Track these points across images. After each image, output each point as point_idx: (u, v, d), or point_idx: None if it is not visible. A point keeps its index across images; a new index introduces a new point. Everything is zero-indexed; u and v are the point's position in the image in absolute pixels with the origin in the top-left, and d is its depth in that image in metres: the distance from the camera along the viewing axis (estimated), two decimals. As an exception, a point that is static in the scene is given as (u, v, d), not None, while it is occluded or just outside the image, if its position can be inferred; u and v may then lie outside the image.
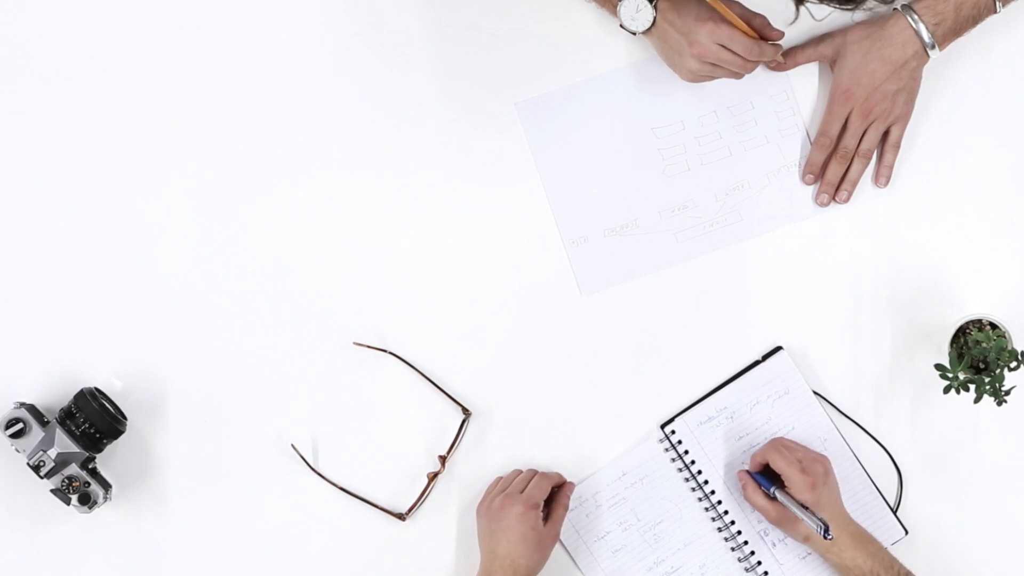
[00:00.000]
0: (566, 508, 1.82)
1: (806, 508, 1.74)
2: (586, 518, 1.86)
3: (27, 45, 1.87)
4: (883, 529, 1.86)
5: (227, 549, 1.86)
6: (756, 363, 1.87)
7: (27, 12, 1.87)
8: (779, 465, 1.78)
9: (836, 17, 1.86)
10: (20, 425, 1.78)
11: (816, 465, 1.78)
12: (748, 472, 1.83)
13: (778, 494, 1.77)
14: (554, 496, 1.82)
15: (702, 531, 1.86)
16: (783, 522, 1.79)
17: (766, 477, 1.81)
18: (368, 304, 1.87)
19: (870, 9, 1.51)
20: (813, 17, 1.85)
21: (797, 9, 1.53)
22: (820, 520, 1.71)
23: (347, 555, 1.86)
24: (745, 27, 1.75)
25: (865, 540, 1.78)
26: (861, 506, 1.85)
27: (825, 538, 1.71)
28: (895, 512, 1.86)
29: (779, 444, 1.81)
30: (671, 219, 1.88)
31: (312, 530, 1.86)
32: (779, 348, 1.87)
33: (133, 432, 1.86)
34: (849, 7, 1.50)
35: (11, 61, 1.87)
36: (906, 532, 1.86)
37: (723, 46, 1.74)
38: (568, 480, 1.85)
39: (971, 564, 1.87)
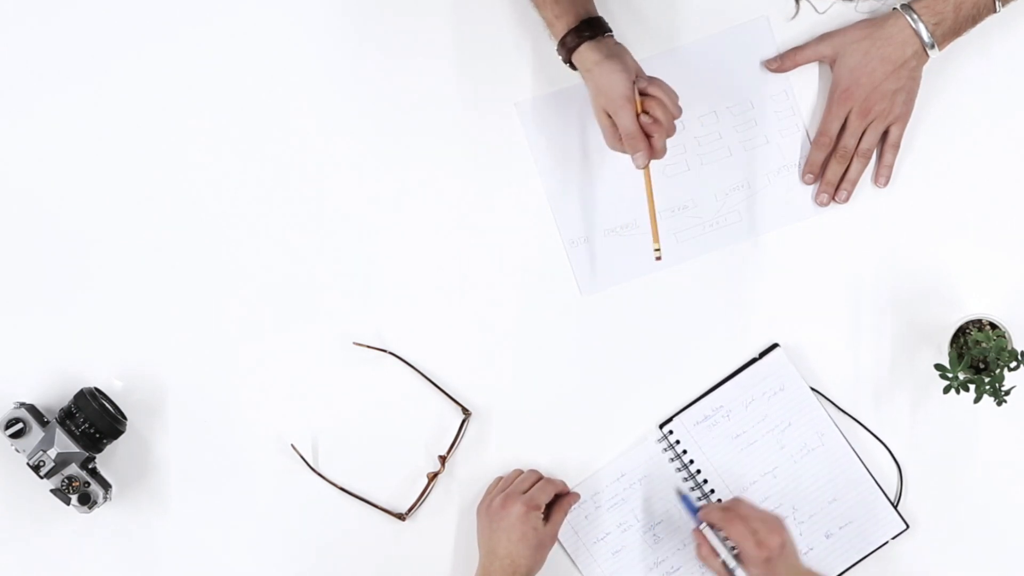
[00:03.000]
0: (566, 514, 1.83)
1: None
2: (585, 519, 1.86)
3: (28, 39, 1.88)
4: (884, 523, 1.86)
5: (227, 549, 1.86)
6: (753, 361, 1.88)
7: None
8: (734, 536, 1.75)
9: (839, 10, 1.86)
10: (20, 425, 1.78)
11: (772, 537, 1.73)
12: (701, 530, 1.80)
13: (709, 533, 1.77)
14: (555, 501, 1.82)
15: (702, 530, 1.87)
16: None
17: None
18: (368, 304, 1.87)
19: None
20: (816, 10, 1.85)
21: (797, 3, 1.53)
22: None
23: (347, 555, 1.86)
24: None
25: None
26: (861, 500, 1.86)
27: None
28: (895, 506, 1.86)
29: (735, 513, 1.76)
30: (671, 219, 1.88)
31: (312, 530, 1.86)
32: (775, 345, 1.87)
33: (133, 432, 1.86)
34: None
35: (10, 58, 1.88)
36: (907, 526, 1.86)
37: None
38: (573, 491, 1.85)
39: (972, 558, 1.87)
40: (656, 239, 1.77)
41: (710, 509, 1.79)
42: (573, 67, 1.77)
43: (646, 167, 1.74)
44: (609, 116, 1.73)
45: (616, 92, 1.71)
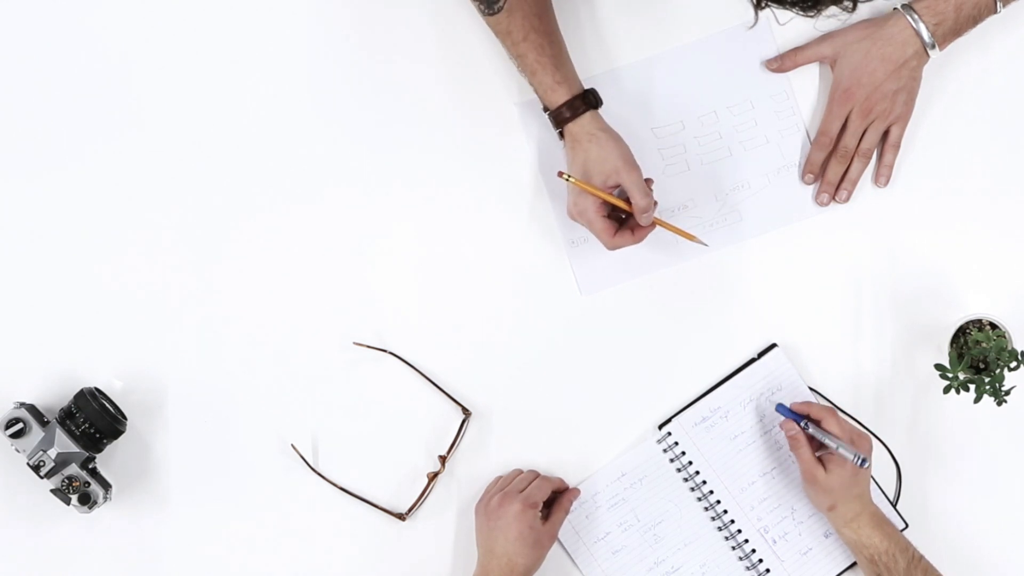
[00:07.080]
0: (567, 512, 1.83)
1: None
2: (586, 519, 1.86)
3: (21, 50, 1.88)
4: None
5: (227, 549, 1.86)
6: (752, 361, 1.88)
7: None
8: (833, 429, 1.77)
9: (798, 24, 1.86)
10: (20, 425, 1.78)
11: (863, 440, 1.78)
12: (797, 423, 1.81)
13: (813, 429, 1.78)
14: (555, 499, 1.83)
15: (702, 530, 1.86)
16: (815, 482, 1.78)
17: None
18: (368, 304, 1.87)
19: (833, 16, 1.52)
20: (778, 21, 1.85)
21: (756, 13, 1.53)
22: (857, 453, 1.75)
23: (347, 555, 1.86)
24: (620, 204, 1.78)
25: (884, 522, 1.79)
26: (860, 496, 1.86)
27: (861, 467, 1.75)
28: (894, 505, 1.86)
29: (834, 411, 1.80)
30: (671, 219, 1.87)
31: (312, 530, 1.86)
32: (773, 345, 1.87)
33: (133, 432, 1.86)
34: (811, 14, 1.49)
35: (7, 67, 1.88)
36: (906, 524, 1.86)
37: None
38: (572, 487, 1.85)
39: (970, 557, 1.87)
40: (691, 237, 1.82)
41: (811, 405, 1.82)
42: (562, 133, 1.80)
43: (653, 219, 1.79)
44: (579, 188, 1.76)
45: (626, 156, 1.76)
